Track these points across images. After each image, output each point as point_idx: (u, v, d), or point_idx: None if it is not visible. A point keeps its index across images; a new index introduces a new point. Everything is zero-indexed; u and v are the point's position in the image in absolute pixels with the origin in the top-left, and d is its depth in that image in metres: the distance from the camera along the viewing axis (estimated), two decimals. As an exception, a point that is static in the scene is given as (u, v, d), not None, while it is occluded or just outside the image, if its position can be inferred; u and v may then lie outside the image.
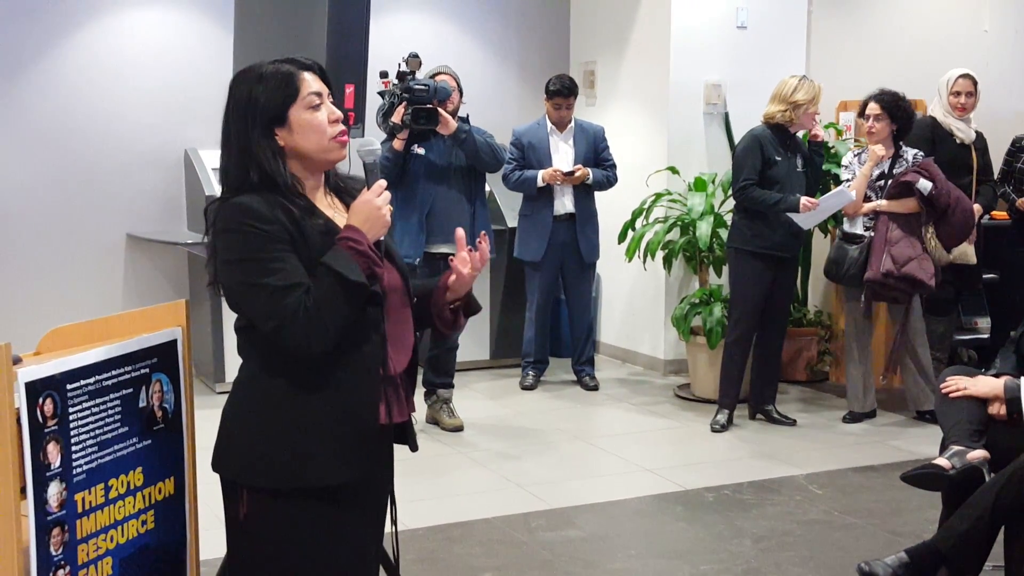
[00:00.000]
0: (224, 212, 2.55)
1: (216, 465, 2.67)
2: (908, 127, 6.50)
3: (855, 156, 6.60)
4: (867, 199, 6.43)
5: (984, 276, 7.45)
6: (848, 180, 6.47)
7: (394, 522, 2.88)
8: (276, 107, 2.59)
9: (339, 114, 2.66)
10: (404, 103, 6.02)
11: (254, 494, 2.61)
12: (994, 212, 7.43)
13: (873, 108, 6.42)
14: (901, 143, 6.50)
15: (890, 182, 6.40)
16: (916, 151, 6.57)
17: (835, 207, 6.36)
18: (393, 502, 2.85)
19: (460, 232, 2.88)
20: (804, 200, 6.23)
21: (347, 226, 2.57)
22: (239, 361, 2.73)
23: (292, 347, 2.50)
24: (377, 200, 2.60)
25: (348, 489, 2.63)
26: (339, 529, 2.65)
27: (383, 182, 2.63)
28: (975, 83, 6.92)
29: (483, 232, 2.87)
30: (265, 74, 2.61)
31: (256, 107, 2.60)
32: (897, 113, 6.40)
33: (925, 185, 6.29)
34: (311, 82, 2.62)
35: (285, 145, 2.61)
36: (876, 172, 6.43)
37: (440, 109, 6.07)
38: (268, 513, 2.61)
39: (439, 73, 6.39)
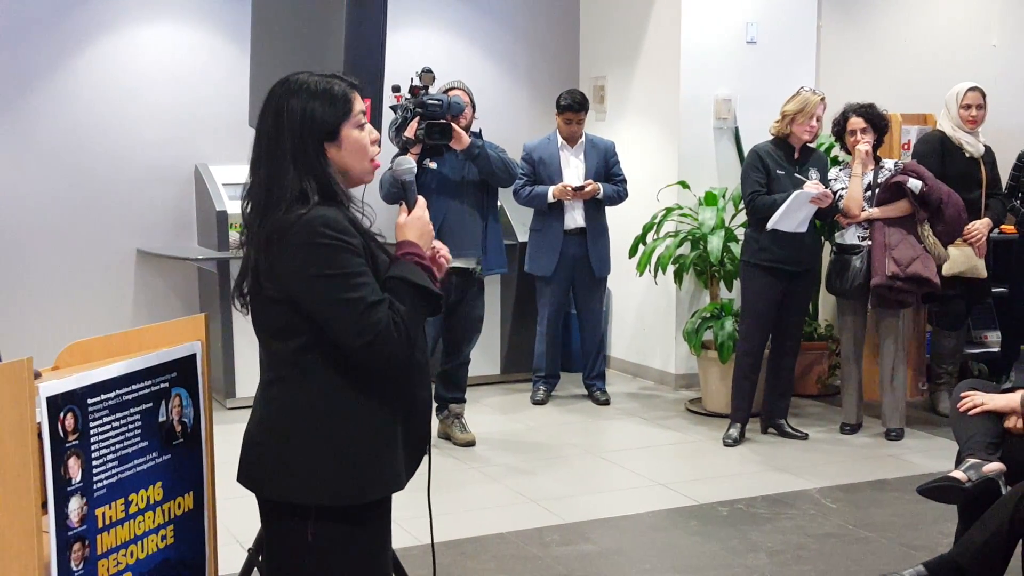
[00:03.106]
0: (303, 225, 2.50)
1: (276, 491, 2.59)
2: (883, 136, 6.61)
3: (840, 170, 6.62)
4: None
5: (993, 290, 7.44)
6: (843, 189, 6.47)
7: (431, 536, 2.97)
8: (332, 123, 2.60)
9: (378, 135, 2.71)
10: (417, 118, 6.02)
11: (325, 513, 2.58)
12: (1003, 226, 7.42)
13: (857, 122, 6.46)
14: (879, 155, 6.62)
15: (878, 188, 6.42)
16: (896, 160, 6.65)
17: (803, 205, 6.25)
18: (430, 518, 2.98)
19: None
20: (809, 183, 6.25)
21: (406, 241, 2.64)
22: (250, 376, 2.72)
23: (381, 361, 2.52)
24: (425, 215, 2.70)
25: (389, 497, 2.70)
26: (384, 538, 2.72)
27: (423, 199, 2.74)
28: (984, 96, 6.93)
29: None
30: (319, 89, 2.60)
31: (313, 121, 2.58)
32: (879, 123, 6.48)
33: (915, 184, 6.31)
34: (359, 101, 2.66)
35: (332, 160, 2.62)
36: (863, 184, 6.45)
37: (454, 124, 6.07)
38: (339, 530, 2.60)
39: (452, 88, 6.40)
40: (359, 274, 2.50)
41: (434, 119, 6.00)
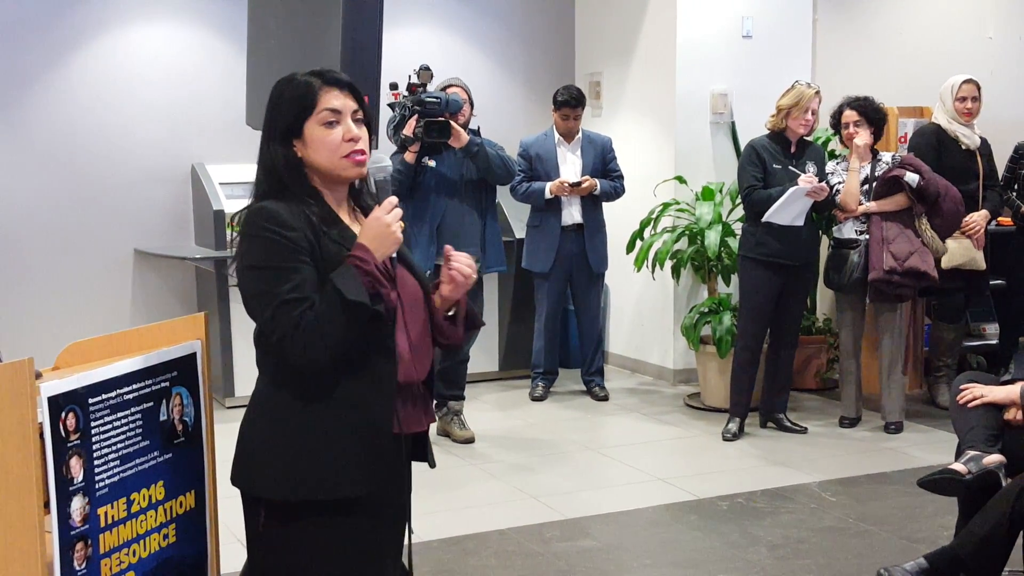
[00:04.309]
0: (250, 217, 2.56)
1: (235, 479, 2.67)
2: (881, 130, 6.60)
3: (837, 164, 6.62)
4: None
5: (991, 282, 7.44)
6: (840, 183, 6.47)
7: (409, 534, 2.87)
8: (291, 118, 2.61)
9: (356, 133, 2.64)
10: (416, 116, 6.02)
11: (272, 507, 2.61)
12: (1000, 218, 7.43)
13: (851, 116, 6.47)
14: (877, 148, 6.60)
15: (876, 182, 6.43)
16: (893, 153, 6.65)
17: (798, 199, 6.23)
18: (409, 515, 2.86)
19: (447, 248, 2.77)
20: (803, 177, 6.24)
21: (357, 243, 2.57)
22: (248, 375, 2.73)
23: (291, 360, 2.52)
24: (386, 217, 2.58)
25: (364, 501, 2.63)
26: (355, 542, 2.65)
27: (393, 199, 2.62)
28: (979, 88, 6.93)
29: (447, 247, 2.76)
30: (288, 86, 2.64)
31: (276, 118, 2.63)
32: (874, 117, 6.47)
33: (912, 178, 6.32)
34: (331, 98, 2.62)
35: (303, 157, 2.63)
36: (860, 177, 6.45)
37: (452, 122, 6.07)
38: (285, 526, 2.62)
39: (450, 85, 6.40)
40: (286, 269, 2.49)
41: (432, 117, 5.99)
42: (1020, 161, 7.37)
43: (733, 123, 7.79)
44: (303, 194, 2.60)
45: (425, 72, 6.06)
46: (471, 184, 6.36)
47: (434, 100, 5.98)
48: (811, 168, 6.40)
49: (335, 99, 2.62)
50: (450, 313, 2.83)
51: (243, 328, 6.77)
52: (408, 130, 6.03)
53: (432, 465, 2.87)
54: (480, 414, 7.01)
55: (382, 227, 2.57)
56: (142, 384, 2.75)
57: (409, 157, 6.13)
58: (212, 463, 3.02)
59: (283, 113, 2.62)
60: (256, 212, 2.55)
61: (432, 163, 6.22)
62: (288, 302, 2.48)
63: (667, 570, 4.65)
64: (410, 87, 6.05)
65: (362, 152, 2.64)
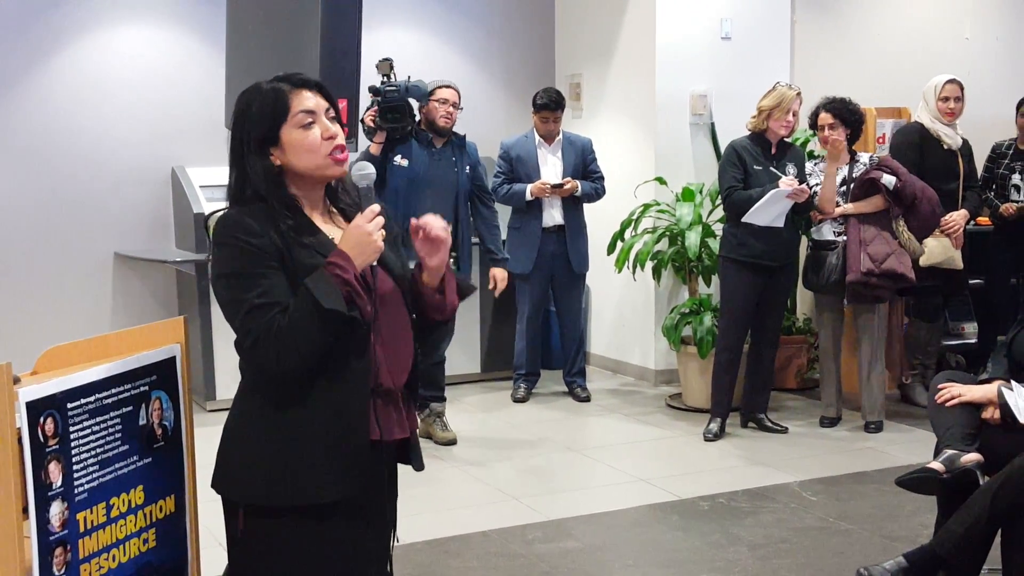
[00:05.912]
0: (220, 224, 2.56)
1: (214, 483, 2.67)
2: (859, 131, 6.59)
3: (815, 165, 6.64)
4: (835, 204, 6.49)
5: (969, 281, 7.47)
6: (818, 184, 6.49)
7: (395, 539, 2.86)
8: (266, 127, 2.59)
9: (333, 131, 2.63)
10: (376, 107, 6.00)
11: (250, 511, 2.62)
12: (978, 218, 7.46)
13: (826, 118, 6.46)
14: (855, 149, 6.61)
15: (853, 184, 6.45)
16: (871, 154, 6.67)
17: (779, 200, 6.24)
18: (394, 521, 2.85)
19: (414, 222, 2.73)
20: (784, 180, 6.24)
21: (336, 251, 2.55)
22: (230, 379, 2.73)
23: (262, 365, 2.52)
24: (368, 226, 2.55)
25: (345, 506, 2.63)
26: (335, 547, 2.64)
27: (376, 207, 2.59)
28: (962, 88, 6.95)
29: (412, 220, 2.72)
30: (258, 95, 2.62)
31: (250, 126, 2.60)
32: (850, 119, 6.46)
33: (889, 180, 6.34)
34: (304, 100, 2.61)
35: (281, 164, 2.61)
36: (838, 179, 6.47)
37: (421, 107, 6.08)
38: (264, 531, 2.62)
39: (442, 86, 6.36)
40: (254, 276, 2.49)
41: (391, 104, 5.96)
42: (998, 161, 7.41)
43: (713, 124, 7.81)
44: (280, 204, 2.59)
45: (384, 63, 6.01)
46: (443, 185, 6.29)
47: (392, 88, 5.95)
48: (791, 169, 6.41)
49: (307, 100, 2.61)
50: (437, 291, 2.81)
51: (224, 331, 6.70)
52: (368, 121, 6.02)
53: (418, 468, 2.85)
54: (462, 416, 7.01)
55: (363, 235, 2.55)
56: (121, 388, 2.74)
57: (374, 149, 6.08)
58: (192, 467, 3.01)
59: (255, 123, 2.59)
60: (223, 220, 2.55)
61: (405, 162, 6.19)
62: (257, 308, 2.48)
63: (649, 570, 4.66)
64: (382, 83, 6.04)
65: (342, 149, 2.64)
